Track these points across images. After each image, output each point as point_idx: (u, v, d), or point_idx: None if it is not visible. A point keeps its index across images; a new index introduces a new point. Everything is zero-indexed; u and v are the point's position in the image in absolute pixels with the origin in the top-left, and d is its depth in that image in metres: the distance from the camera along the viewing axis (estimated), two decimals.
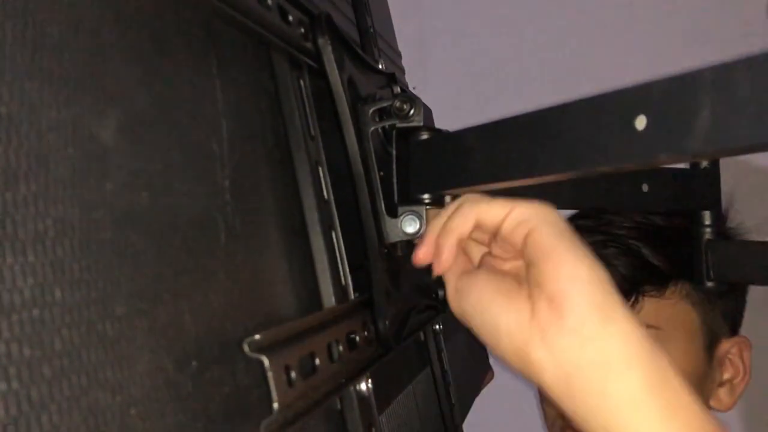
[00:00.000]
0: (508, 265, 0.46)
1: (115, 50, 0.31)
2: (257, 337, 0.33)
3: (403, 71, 1.16)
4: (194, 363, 0.32)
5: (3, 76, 0.24)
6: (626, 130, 0.38)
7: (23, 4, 0.25)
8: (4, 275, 0.22)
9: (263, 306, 0.40)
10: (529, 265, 0.43)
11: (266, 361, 0.33)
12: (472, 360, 1.01)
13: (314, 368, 0.38)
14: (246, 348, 0.33)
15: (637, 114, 0.37)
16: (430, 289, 0.62)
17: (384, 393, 0.56)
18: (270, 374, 0.33)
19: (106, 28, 0.30)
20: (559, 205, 0.61)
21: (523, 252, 0.44)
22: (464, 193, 0.52)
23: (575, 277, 0.40)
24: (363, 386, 0.48)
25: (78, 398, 0.24)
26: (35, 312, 0.23)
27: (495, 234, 0.45)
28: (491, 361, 1.18)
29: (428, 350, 0.74)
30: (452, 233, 0.46)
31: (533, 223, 0.43)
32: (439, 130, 0.54)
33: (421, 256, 0.52)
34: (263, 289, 0.40)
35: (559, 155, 0.42)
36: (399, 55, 1.15)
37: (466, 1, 1.43)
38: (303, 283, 0.45)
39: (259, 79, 0.46)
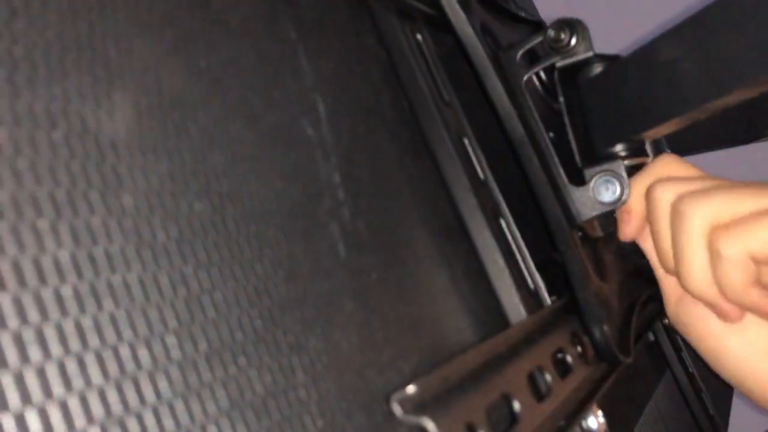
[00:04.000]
0: None
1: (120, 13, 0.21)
2: (410, 389, 0.21)
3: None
4: None
5: None
6: None
7: None
8: None
9: (420, 340, 0.28)
10: None
11: (431, 426, 0.20)
12: None
13: (514, 417, 0.26)
14: (397, 409, 0.21)
15: None
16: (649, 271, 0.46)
17: (620, 423, 0.42)
18: None
19: None
20: None
21: None
22: (672, 127, 0.37)
23: None
24: (593, 422, 0.34)
25: None
26: None
27: None
28: None
29: (663, 352, 0.57)
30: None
31: None
32: (617, 57, 0.40)
33: (631, 231, 0.38)
34: (415, 315, 0.28)
35: None
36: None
37: None
38: (475, 297, 0.33)
39: (361, 44, 0.35)
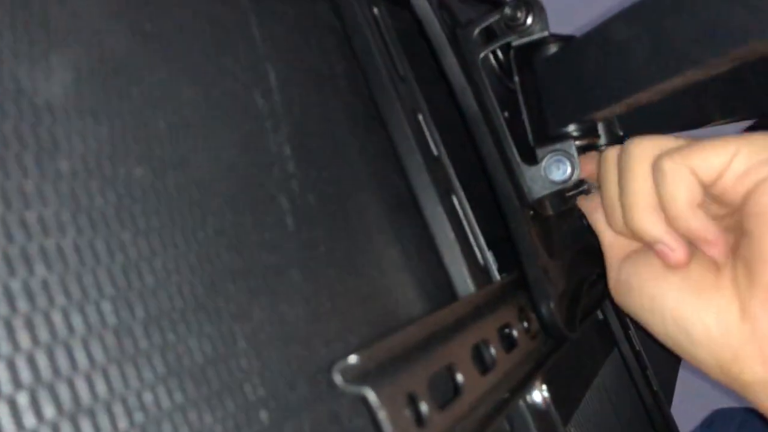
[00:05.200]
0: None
1: None
2: (351, 359, 0.21)
3: None
4: (263, 414, 0.21)
5: None
6: None
7: None
8: None
9: (368, 312, 0.28)
10: (744, 237, 0.31)
11: (371, 395, 0.21)
12: None
13: (457, 388, 0.26)
14: (338, 378, 0.21)
15: None
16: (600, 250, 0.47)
17: (565, 398, 0.43)
18: (382, 414, 0.21)
19: None
20: None
21: (740, 216, 0.31)
22: (622, 108, 0.37)
23: None
24: (537, 396, 0.34)
25: None
26: None
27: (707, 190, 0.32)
28: None
29: (611, 331, 0.59)
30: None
31: (763, 173, 0.30)
32: (572, 37, 0.40)
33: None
34: (364, 288, 0.28)
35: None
36: None
37: None
38: (425, 272, 0.33)
39: (315, 13, 0.35)
